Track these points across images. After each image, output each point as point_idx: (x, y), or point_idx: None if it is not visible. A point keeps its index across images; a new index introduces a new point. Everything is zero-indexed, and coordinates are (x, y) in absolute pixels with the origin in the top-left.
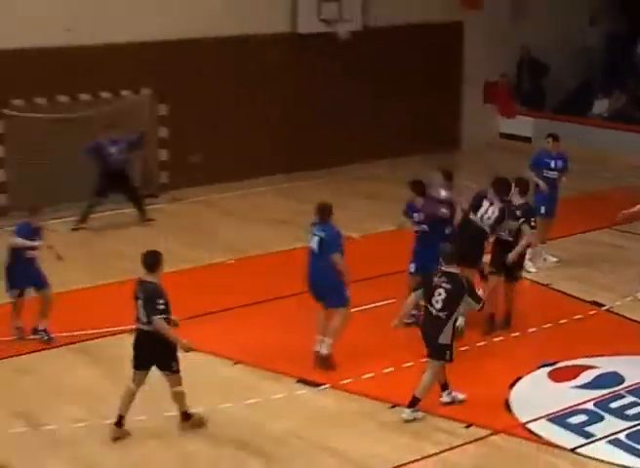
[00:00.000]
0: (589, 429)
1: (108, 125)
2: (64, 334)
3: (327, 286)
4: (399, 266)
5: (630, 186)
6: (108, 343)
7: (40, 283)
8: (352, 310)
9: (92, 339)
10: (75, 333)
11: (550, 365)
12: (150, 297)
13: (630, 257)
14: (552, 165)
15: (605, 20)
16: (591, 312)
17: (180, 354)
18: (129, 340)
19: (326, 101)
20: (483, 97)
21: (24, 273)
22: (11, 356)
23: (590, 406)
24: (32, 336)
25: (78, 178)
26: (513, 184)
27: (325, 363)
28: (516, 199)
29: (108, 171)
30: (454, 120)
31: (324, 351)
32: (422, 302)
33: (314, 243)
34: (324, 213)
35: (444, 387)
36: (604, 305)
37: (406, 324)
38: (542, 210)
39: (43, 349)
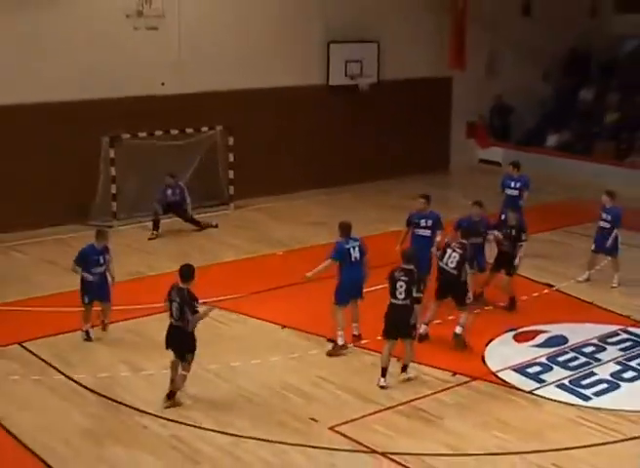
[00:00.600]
0: (542, 376)
1: (172, 175)
2: (157, 305)
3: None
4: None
5: (574, 199)
6: None
7: (103, 297)
8: (374, 289)
9: None
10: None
11: (514, 329)
12: (187, 301)
13: (573, 251)
14: (512, 185)
15: (555, 76)
16: (545, 291)
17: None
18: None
19: (350, 135)
20: (466, 133)
21: (91, 288)
22: (120, 320)
23: (543, 359)
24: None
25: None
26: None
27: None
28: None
29: (165, 206)
30: (444, 149)
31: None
32: None
33: (356, 252)
34: (347, 229)
35: (404, 368)
36: (554, 286)
37: None
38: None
39: (144, 316)
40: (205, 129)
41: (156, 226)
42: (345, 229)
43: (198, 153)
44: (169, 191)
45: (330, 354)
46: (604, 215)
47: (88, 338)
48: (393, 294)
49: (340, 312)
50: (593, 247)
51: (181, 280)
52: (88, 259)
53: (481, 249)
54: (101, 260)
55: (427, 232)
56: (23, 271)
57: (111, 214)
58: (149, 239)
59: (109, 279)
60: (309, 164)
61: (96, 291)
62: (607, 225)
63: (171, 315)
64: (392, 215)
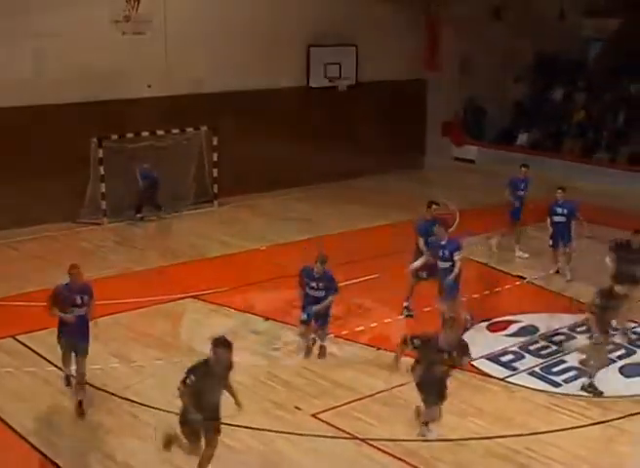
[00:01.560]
0: (515, 364)
1: (145, 166)
2: (145, 299)
3: None
4: (377, 251)
5: (544, 195)
6: (177, 305)
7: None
8: (342, 284)
9: (166, 302)
10: (153, 298)
11: (488, 320)
12: None
13: (544, 245)
14: (522, 186)
15: (525, 79)
16: (517, 283)
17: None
18: (192, 304)
19: (329, 135)
20: (441, 132)
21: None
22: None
23: (516, 348)
24: None
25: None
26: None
27: None
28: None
29: (143, 189)
30: (420, 148)
31: None
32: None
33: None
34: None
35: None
36: (525, 278)
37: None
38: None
39: (133, 309)
40: (190, 129)
41: (139, 210)
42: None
43: (183, 153)
44: (142, 175)
45: None
46: (559, 210)
47: (68, 384)
48: None
49: None
50: (551, 243)
51: None
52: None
53: None
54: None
55: None
56: (16, 267)
57: (100, 212)
58: (134, 221)
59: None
60: (291, 163)
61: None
62: (563, 219)
63: None
64: (371, 212)
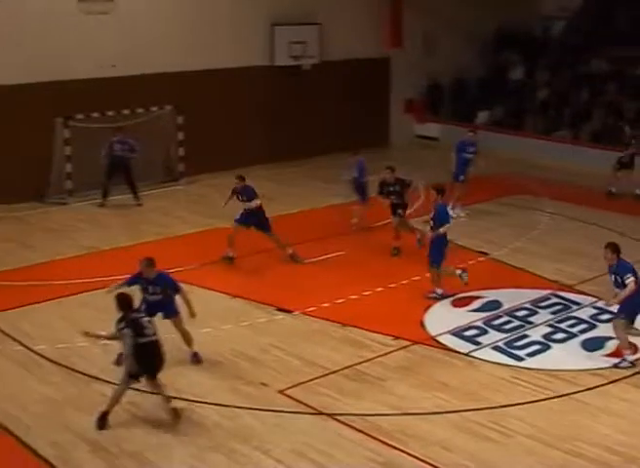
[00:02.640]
0: (479, 339)
1: (119, 128)
2: (112, 278)
3: None
4: (341, 229)
5: (505, 172)
6: None
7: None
8: (309, 261)
9: None
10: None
11: (452, 295)
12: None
13: (507, 221)
14: (470, 149)
15: (488, 55)
16: (480, 259)
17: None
18: None
19: (294, 113)
20: (404, 109)
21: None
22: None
23: (480, 323)
24: None
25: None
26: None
27: None
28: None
29: (112, 161)
30: (384, 126)
31: None
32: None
33: None
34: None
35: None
36: (488, 254)
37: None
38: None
39: (99, 288)
40: (155, 109)
41: (105, 195)
42: None
43: (149, 132)
44: (117, 146)
45: None
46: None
47: None
48: None
49: None
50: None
51: None
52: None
53: None
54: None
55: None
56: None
57: (66, 192)
58: (99, 206)
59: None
60: (256, 141)
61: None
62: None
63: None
64: (336, 190)
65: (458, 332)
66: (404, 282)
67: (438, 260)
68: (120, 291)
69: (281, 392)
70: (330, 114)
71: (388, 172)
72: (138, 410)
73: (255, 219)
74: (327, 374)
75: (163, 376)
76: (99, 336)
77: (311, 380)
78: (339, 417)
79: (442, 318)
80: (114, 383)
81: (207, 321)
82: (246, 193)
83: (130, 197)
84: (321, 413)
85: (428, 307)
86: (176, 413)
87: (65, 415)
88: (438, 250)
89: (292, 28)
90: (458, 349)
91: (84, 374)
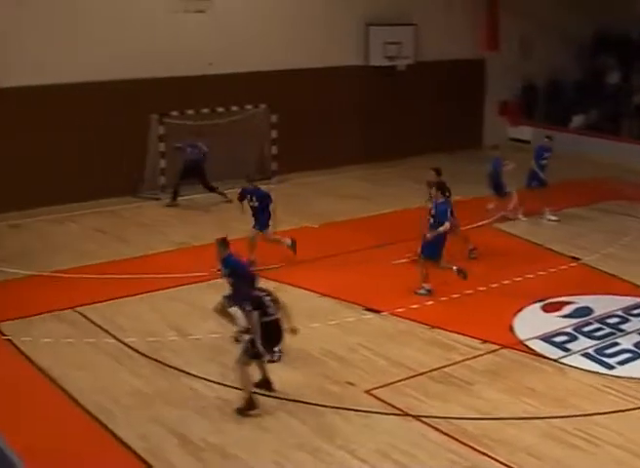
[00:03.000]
0: (568, 346)
1: (197, 132)
2: (202, 274)
3: None
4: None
5: (600, 177)
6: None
7: None
8: (399, 262)
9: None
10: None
11: (543, 300)
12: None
13: (600, 227)
14: (546, 155)
15: (584, 58)
16: (572, 264)
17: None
18: None
19: (388, 114)
20: (498, 112)
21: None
22: (167, 288)
23: (570, 329)
24: None
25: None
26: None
27: None
28: None
29: (185, 165)
30: (477, 127)
31: None
32: None
33: None
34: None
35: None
36: (580, 259)
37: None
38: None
39: (190, 283)
40: (249, 107)
41: (175, 196)
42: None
43: (243, 130)
44: (189, 149)
45: None
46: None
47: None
48: None
49: None
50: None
51: None
52: None
53: None
54: None
55: None
56: (77, 240)
57: (159, 188)
58: (166, 206)
59: None
60: (350, 141)
61: None
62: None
63: (265, 313)
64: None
65: (547, 338)
66: (494, 285)
67: (436, 255)
68: None
69: (367, 392)
70: (424, 115)
71: (433, 174)
72: (225, 405)
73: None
74: (414, 376)
75: (254, 372)
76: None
77: (398, 381)
78: (424, 419)
79: (532, 323)
80: (203, 378)
81: (295, 319)
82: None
83: (217, 195)
84: (407, 415)
85: (518, 311)
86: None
87: (155, 408)
88: (437, 246)
89: (387, 29)
90: (547, 355)
91: (174, 368)
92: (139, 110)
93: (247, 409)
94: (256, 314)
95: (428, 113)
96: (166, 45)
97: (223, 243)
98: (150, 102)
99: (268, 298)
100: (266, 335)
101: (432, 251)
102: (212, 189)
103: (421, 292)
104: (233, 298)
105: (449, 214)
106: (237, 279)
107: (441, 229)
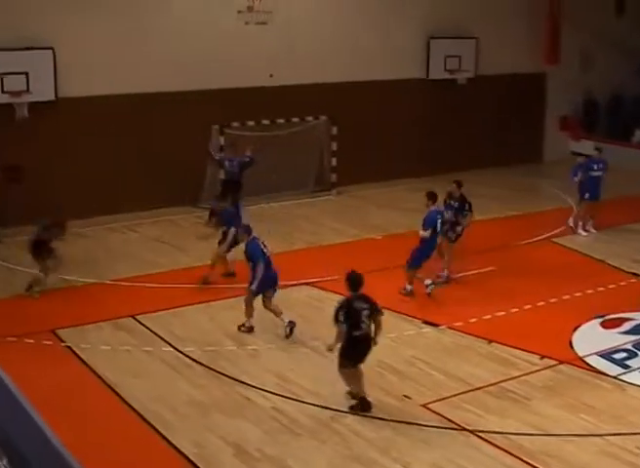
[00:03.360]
0: (628, 362)
1: (231, 144)
2: None
3: None
4: (491, 244)
5: None
6: (292, 291)
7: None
8: (457, 276)
9: (282, 288)
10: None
11: (602, 316)
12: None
13: None
14: (595, 167)
15: None
16: (632, 280)
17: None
18: (307, 291)
19: (448, 127)
20: (559, 126)
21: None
22: (224, 298)
23: (629, 346)
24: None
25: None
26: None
27: None
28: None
29: (224, 179)
30: (538, 141)
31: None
32: None
33: None
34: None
35: None
36: None
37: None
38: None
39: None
40: (310, 119)
41: (211, 215)
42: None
43: (303, 142)
44: (226, 163)
45: None
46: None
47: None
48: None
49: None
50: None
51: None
52: None
53: None
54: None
55: None
56: (137, 249)
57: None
58: (204, 225)
59: None
60: (409, 153)
61: None
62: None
63: (357, 326)
64: (490, 205)
65: (606, 354)
66: (552, 300)
67: (413, 262)
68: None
69: (424, 406)
70: (484, 128)
71: (454, 186)
72: (280, 416)
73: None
74: (471, 390)
75: (307, 383)
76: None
77: (455, 395)
78: (481, 434)
79: (591, 339)
80: (260, 388)
81: None
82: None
83: (277, 205)
84: (463, 429)
85: (577, 327)
86: (365, 405)
87: (211, 417)
88: (418, 252)
89: (448, 41)
90: (606, 371)
91: (230, 377)
92: (200, 121)
93: (360, 409)
94: (344, 326)
95: (488, 127)
96: (228, 56)
97: (245, 230)
98: (212, 113)
99: (366, 313)
100: (354, 349)
101: (413, 256)
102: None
103: (403, 291)
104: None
105: (438, 223)
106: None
107: (424, 233)
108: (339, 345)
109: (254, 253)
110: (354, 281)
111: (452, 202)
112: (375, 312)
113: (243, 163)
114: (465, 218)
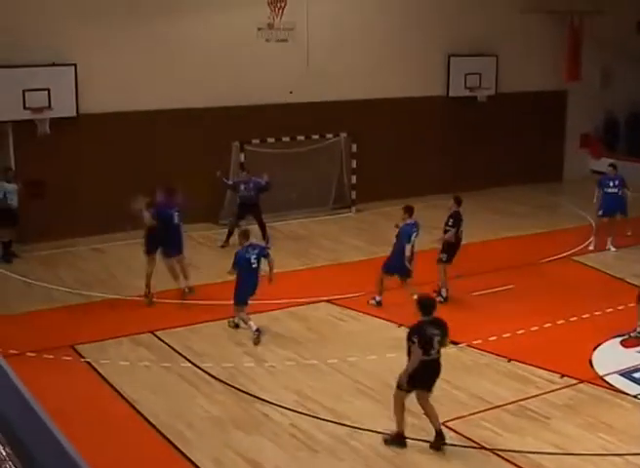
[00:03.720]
0: None
1: (241, 166)
2: (279, 301)
3: None
4: (511, 262)
5: None
6: (311, 308)
7: None
8: (477, 294)
9: (301, 305)
10: (288, 301)
11: (622, 335)
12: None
13: None
14: (611, 183)
15: None
16: None
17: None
18: (326, 308)
19: (468, 144)
20: (580, 144)
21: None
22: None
23: None
24: None
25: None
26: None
27: None
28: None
29: (240, 202)
30: (558, 159)
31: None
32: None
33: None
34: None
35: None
36: None
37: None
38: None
39: (266, 311)
40: (330, 136)
41: (228, 237)
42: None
43: (323, 159)
44: (241, 186)
45: None
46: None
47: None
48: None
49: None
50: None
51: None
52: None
53: None
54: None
55: None
56: (156, 265)
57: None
58: (221, 247)
59: None
60: (429, 171)
61: None
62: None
63: (426, 352)
64: (509, 222)
65: (626, 373)
66: (572, 319)
67: (387, 266)
68: (423, 294)
69: (443, 424)
70: (504, 146)
71: (452, 202)
72: (298, 433)
73: None
74: (490, 409)
75: (325, 399)
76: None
77: (474, 414)
78: (500, 453)
79: (611, 358)
80: (278, 404)
81: (373, 348)
82: None
83: (296, 222)
84: (482, 448)
85: (597, 346)
86: (439, 439)
87: (229, 434)
88: (394, 260)
89: (468, 59)
90: (626, 390)
91: (249, 394)
92: (220, 138)
93: (393, 442)
94: (419, 351)
95: (509, 145)
96: (248, 73)
97: (243, 234)
98: (232, 130)
99: (438, 338)
100: (422, 373)
101: (389, 262)
102: (264, 230)
103: (372, 302)
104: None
105: (412, 236)
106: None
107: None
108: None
109: (236, 261)
110: (426, 305)
111: (449, 220)
112: (444, 337)
113: (259, 187)
114: (447, 233)
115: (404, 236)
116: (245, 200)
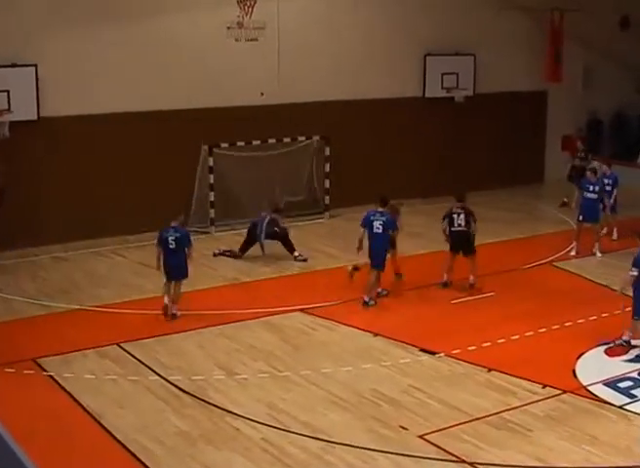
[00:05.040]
0: (633, 392)
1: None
2: (252, 311)
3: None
4: (491, 269)
5: None
6: (285, 318)
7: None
8: (457, 301)
9: (274, 315)
10: (261, 310)
11: (606, 344)
12: None
13: None
14: (591, 188)
15: None
16: None
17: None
18: (300, 317)
19: (445, 147)
20: (561, 146)
21: None
22: (215, 325)
23: (635, 375)
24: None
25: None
26: None
27: None
28: None
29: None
30: (539, 162)
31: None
32: None
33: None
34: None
35: None
36: None
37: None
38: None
39: (239, 321)
40: (302, 138)
41: (243, 249)
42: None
43: (295, 163)
44: (263, 224)
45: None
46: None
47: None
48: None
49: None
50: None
51: None
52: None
53: None
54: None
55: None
56: (122, 274)
57: (208, 221)
58: (215, 255)
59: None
60: (404, 174)
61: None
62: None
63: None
64: (487, 227)
65: (611, 383)
66: (555, 327)
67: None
68: None
69: (421, 437)
70: (483, 148)
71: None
72: (270, 447)
73: None
74: (470, 421)
75: (298, 412)
76: None
77: (453, 426)
78: (480, 467)
79: (595, 367)
80: (249, 418)
81: (348, 359)
82: None
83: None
84: (462, 461)
85: (581, 355)
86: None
87: (198, 449)
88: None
89: (444, 59)
90: (611, 401)
91: (219, 407)
92: (188, 141)
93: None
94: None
95: (487, 146)
96: (217, 74)
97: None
98: (200, 133)
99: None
100: None
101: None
102: (291, 250)
103: (367, 300)
104: None
105: (371, 221)
106: None
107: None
108: None
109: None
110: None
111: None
112: None
113: (268, 233)
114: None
115: (362, 220)
116: (267, 236)
